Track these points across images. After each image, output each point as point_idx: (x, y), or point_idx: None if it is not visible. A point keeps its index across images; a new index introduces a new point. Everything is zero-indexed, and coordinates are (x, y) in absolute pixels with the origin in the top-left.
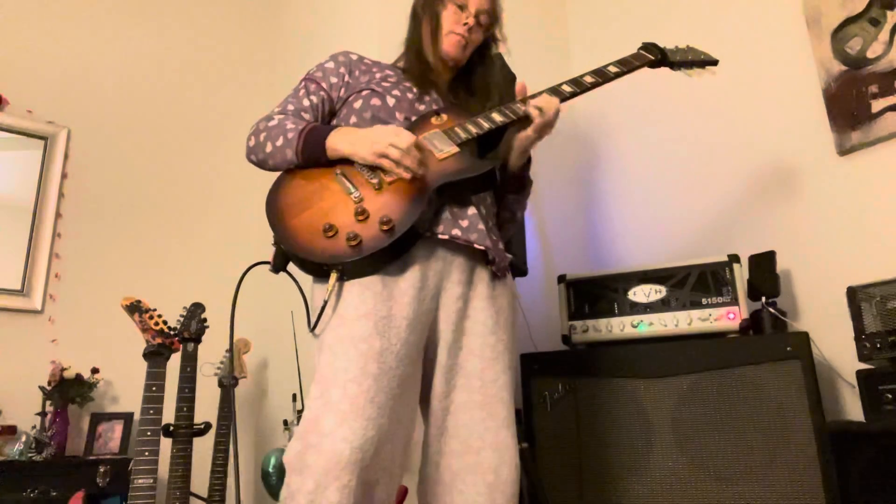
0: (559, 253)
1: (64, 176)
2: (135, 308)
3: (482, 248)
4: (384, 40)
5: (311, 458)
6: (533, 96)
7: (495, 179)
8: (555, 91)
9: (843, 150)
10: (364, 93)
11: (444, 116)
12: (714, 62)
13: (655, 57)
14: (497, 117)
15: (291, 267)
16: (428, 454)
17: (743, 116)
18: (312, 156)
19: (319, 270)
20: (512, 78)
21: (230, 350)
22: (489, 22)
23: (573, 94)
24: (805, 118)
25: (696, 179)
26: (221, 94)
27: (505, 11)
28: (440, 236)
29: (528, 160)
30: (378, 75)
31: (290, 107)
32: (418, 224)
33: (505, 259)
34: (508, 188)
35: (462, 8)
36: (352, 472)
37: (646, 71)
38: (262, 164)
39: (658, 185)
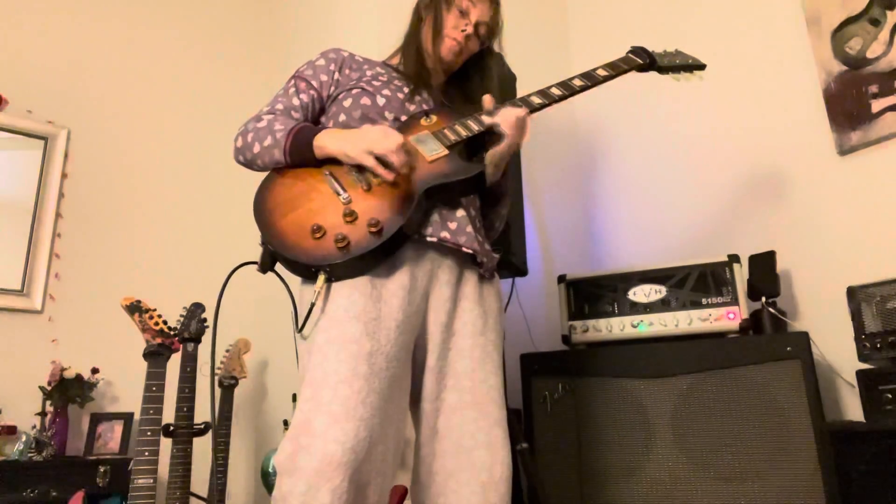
0: (559, 253)
1: (64, 176)
2: (135, 308)
3: (470, 251)
4: (382, 37)
5: (302, 460)
6: (503, 105)
7: (484, 182)
8: (544, 94)
9: (843, 150)
10: (354, 91)
11: (434, 118)
12: (702, 66)
13: (644, 61)
14: (487, 119)
15: (279, 267)
16: (421, 455)
17: (743, 116)
18: (300, 155)
19: (307, 271)
20: (512, 77)
21: (213, 347)
22: (487, 34)
23: (562, 97)
24: (805, 118)
25: (696, 179)
26: (221, 94)
27: (505, 12)
28: (429, 239)
29: (504, 173)
30: (369, 73)
31: (279, 106)
32: (406, 226)
33: (493, 260)
34: (485, 199)
35: (464, 14)
36: (343, 474)
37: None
38: (249, 165)
39: (658, 185)
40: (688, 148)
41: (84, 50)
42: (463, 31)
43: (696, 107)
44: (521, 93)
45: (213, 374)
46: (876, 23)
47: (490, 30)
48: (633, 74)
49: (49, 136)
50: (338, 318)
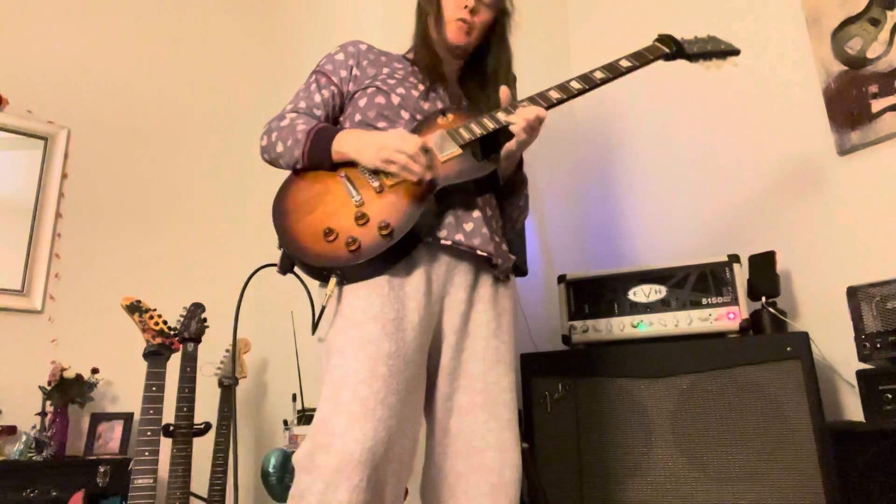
0: (559, 253)
1: (64, 176)
2: (135, 308)
3: (485, 254)
4: (385, 38)
5: (321, 458)
6: (521, 102)
7: (498, 181)
8: (563, 88)
9: (843, 150)
10: (369, 90)
11: (450, 116)
12: (736, 52)
13: (671, 49)
14: (502, 117)
15: (299, 269)
16: (431, 456)
17: (743, 117)
18: (317, 158)
19: (320, 274)
20: (512, 79)
21: (233, 349)
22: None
23: (583, 91)
24: (805, 118)
25: (696, 179)
26: (221, 93)
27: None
28: (443, 242)
29: (520, 163)
30: (385, 69)
31: (302, 104)
32: (418, 228)
33: (508, 262)
34: (500, 192)
35: None
36: (362, 473)
37: (646, 71)
38: (273, 163)
39: (658, 185)
40: (688, 148)
41: (84, 50)
42: (466, 6)
43: (696, 107)
44: (520, 94)
45: (233, 371)
46: (876, 23)
47: None
48: (638, 71)
49: (49, 136)
50: (356, 320)
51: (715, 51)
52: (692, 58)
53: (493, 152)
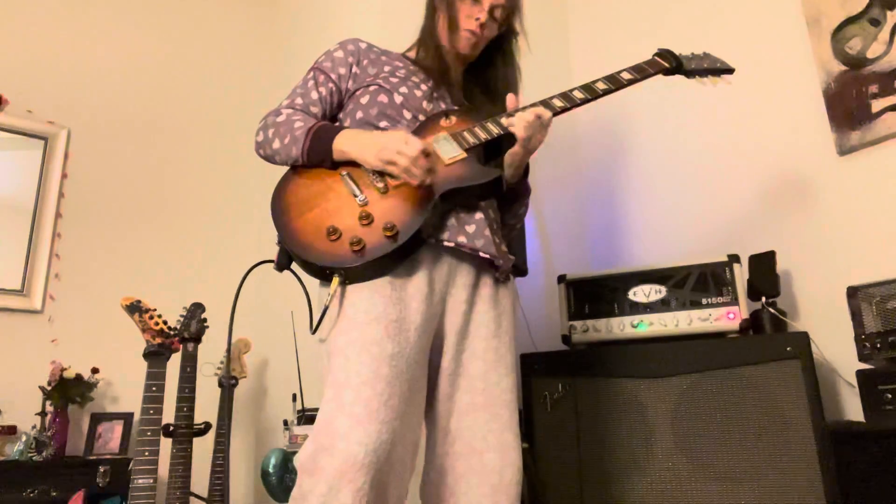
0: (559, 253)
1: (64, 176)
2: (135, 308)
3: (487, 255)
4: (384, 35)
5: (323, 461)
6: (524, 108)
7: (502, 185)
8: (566, 97)
9: (843, 151)
10: (371, 88)
11: (453, 118)
12: (730, 70)
13: (670, 64)
14: (505, 121)
15: (296, 266)
16: (432, 456)
17: (743, 117)
18: (318, 157)
19: (322, 273)
20: None
21: (229, 344)
22: (504, 16)
23: (585, 101)
24: (805, 118)
25: (697, 179)
26: (221, 93)
27: None
28: (445, 244)
29: (525, 171)
30: (387, 68)
31: (299, 100)
32: (422, 230)
33: (509, 263)
34: (502, 198)
35: (476, 1)
36: (366, 475)
37: None
38: (269, 159)
39: (658, 185)
40: (688, 148)
41: (84, 50)
42: (477, 19)
43: (696, 108)
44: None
45: (228, 370)
46: (876, 23)
47: (507, 11)
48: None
49: (49, 136)
50: (358, 321)
51: (710, 68)
52: (690, 74)
53: (497, 157)
